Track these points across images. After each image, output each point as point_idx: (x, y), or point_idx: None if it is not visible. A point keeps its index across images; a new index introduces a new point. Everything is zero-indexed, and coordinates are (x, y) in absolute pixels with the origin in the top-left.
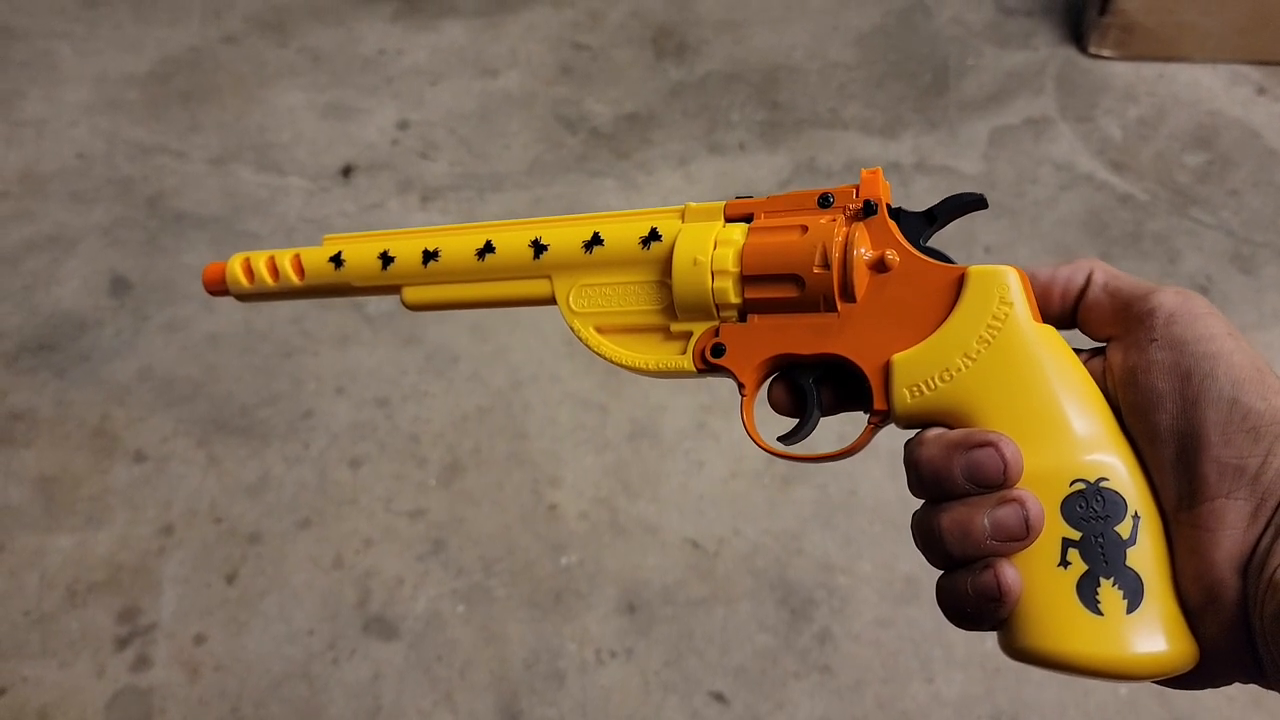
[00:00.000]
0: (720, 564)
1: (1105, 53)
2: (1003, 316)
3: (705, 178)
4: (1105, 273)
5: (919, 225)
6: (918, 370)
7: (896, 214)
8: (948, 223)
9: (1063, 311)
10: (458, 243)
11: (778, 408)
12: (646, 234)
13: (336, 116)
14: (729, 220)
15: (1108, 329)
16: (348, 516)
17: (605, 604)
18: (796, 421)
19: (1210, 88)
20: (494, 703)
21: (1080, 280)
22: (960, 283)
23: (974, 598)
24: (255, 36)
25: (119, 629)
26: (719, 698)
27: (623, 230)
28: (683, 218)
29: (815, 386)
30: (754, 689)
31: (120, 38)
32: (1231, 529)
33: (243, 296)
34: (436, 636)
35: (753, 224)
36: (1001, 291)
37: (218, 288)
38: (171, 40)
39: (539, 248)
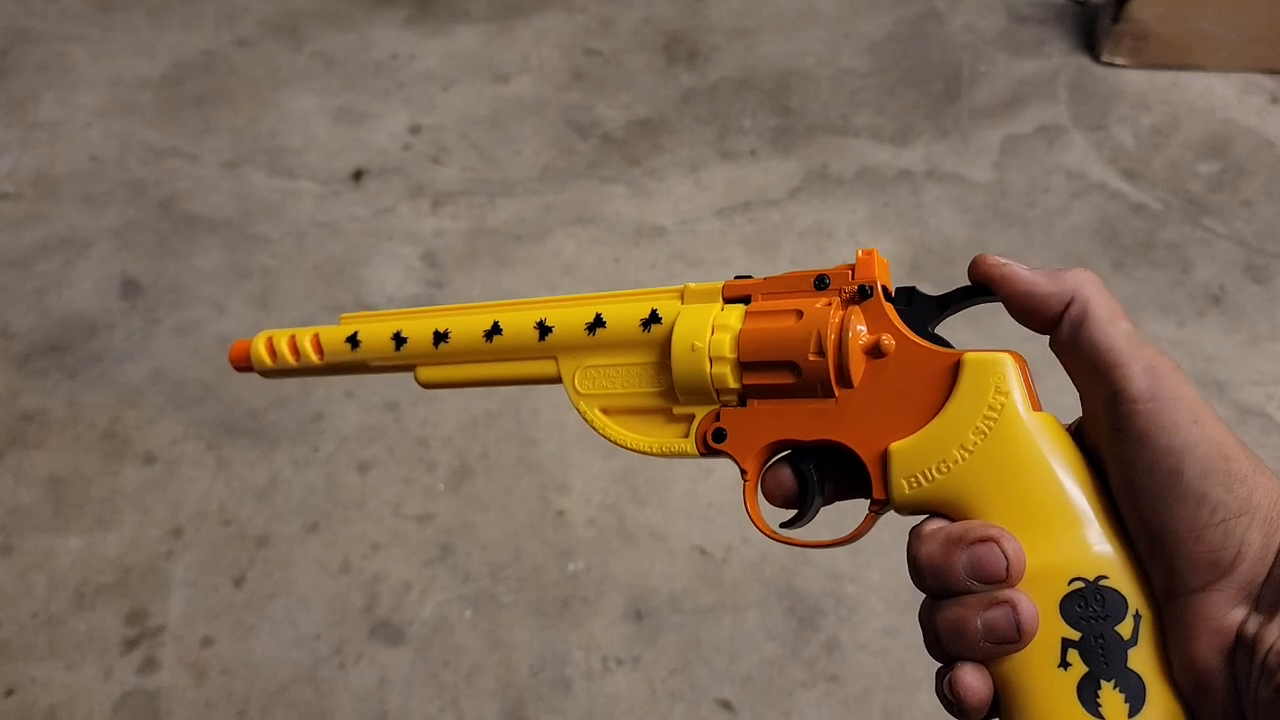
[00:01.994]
0: (728, 572)
1: (1119, 61)
2: (999, 407)
3: (716, 184)
4: (1084, 309)
5: (930, 310)
6: (915, 461)
7: (909, 296)
8: (960, 310)
9: (1035, 324)
10: (466, 324)
11: (778, 493)
12: (647, 316)
13: (348, 121)
14: (727, 301)
15: (1075, 377)
16: (356, 520)
17: (612, 611)
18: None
19: (1224, 97)
20: (500, 709)
21: (1058, 307)
22: (956, 369)
23: (945, 698)
24: (268, 40)
25: (127, 631)
26: (726, 706)
27: (624, 312)
28: (682, 298)
29: (816, 472)
30: (761, 697)
31: (134, 41)
32: (1213, 619)
33: (266, 373)
34: (443, 642)
35: (750, 306)
36: (997, 381)
37: (243, 364)
38: (185, 44)
39: (544, 329)
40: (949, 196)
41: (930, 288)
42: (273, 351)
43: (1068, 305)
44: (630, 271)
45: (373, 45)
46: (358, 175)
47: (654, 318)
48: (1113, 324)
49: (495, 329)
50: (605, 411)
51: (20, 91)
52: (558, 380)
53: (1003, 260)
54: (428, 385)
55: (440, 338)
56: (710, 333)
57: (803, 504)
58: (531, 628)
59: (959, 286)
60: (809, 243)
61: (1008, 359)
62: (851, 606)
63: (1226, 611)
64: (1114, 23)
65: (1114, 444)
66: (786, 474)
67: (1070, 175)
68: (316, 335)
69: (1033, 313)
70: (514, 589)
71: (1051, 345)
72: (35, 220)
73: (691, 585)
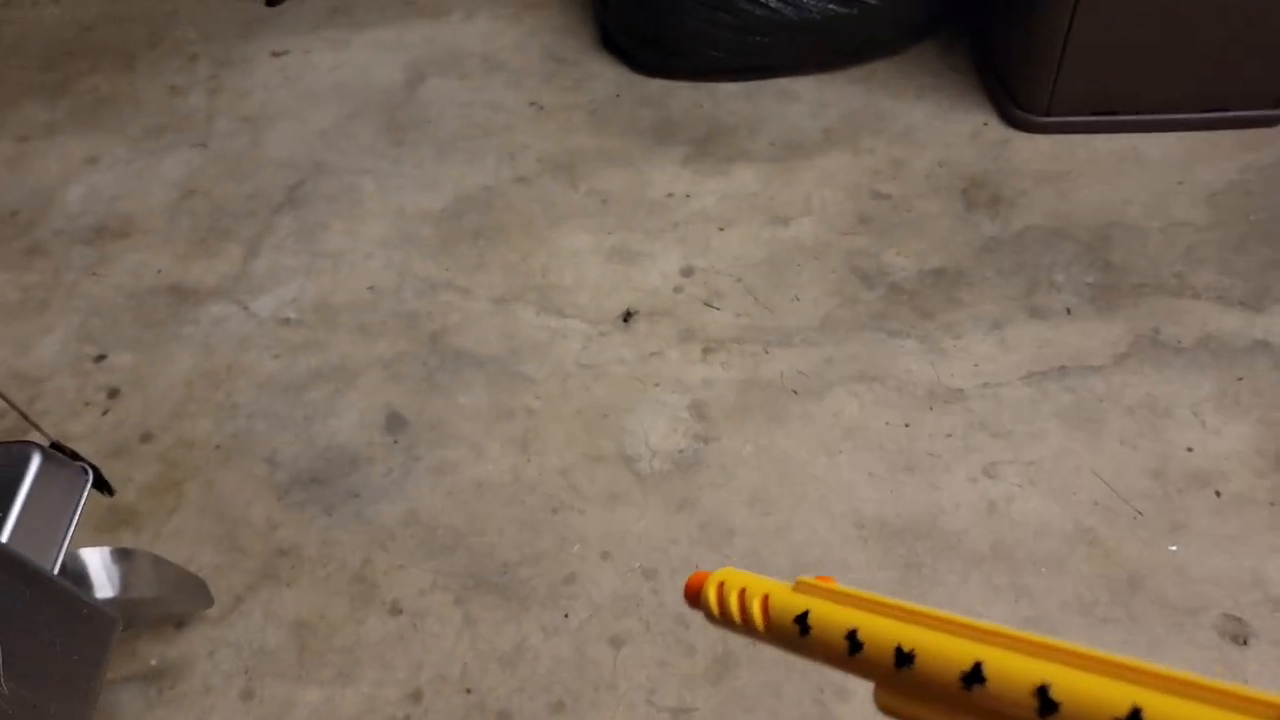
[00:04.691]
0: None
1: None
2: None
3: (1024, 345)
4: None
5: None
6: None
7: None
8: None
9: None
10: (940, 651)
11: None
12: None
13: (620, 260)
14: None
15: None
16: (605, 704)
17: None
18: None
19: None
20: None
21: None
22: None
23: None
24: (546, 178)
25: None
26: None
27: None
28: None
29: None
30: None
31: (420, 175)
32: None
33: (711, 620)
34: None
35: None
36: None
37: (694, 600)
38: (467, 179)
39: (1046, 701)
40: None
41: None
42: (721, 599)
43: None
44: (923, 440)
45: (649, 184)
46: (627, 316)
47: None
48: None
49: (976, 674)
50: None
51: (312, 221)
52: None
53: None
54: (888, 713)
55: (904, 659)
56: None
57: None
58: None
59: None
60: (1140, 420)
61: None
62: None
63: None
64: None
65: None
66: None
67: None
68: (767, 597)
69: None
70: None
71: None
72: (312, 348)
73: None
